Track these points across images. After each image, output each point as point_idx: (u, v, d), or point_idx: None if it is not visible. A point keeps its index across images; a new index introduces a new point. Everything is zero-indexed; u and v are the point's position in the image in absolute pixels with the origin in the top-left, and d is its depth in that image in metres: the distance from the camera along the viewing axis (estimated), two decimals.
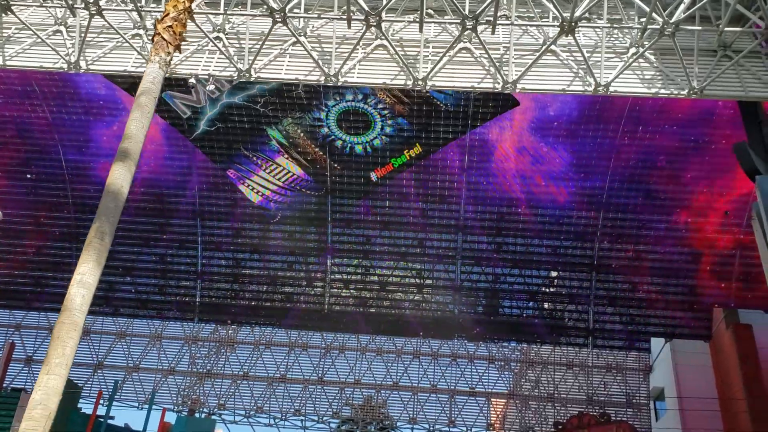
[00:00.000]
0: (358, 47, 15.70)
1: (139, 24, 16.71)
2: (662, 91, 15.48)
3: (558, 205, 24.06)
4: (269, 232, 25.96)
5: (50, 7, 16.88)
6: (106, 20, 15.74)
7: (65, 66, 16.37)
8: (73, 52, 16.35)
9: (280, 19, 15.01)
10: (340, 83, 15.87)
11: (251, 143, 23.92)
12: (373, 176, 23.08)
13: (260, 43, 15.72)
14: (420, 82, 15.66)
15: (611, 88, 15.36)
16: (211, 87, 15.95)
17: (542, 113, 21.96)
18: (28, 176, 25.66)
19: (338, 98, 21.81)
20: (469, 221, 25.06)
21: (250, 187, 25.00)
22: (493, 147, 23.00)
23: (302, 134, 23.30)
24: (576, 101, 21.70)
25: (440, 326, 26.39)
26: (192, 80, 15.55)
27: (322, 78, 15.93)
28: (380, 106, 21.48)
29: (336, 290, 26.62)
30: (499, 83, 15.63)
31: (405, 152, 22.33)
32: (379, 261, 26.22)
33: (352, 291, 26.66)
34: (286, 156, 23.88)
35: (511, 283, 25.68)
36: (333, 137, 22.95)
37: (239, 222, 26.02)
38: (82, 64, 16.40)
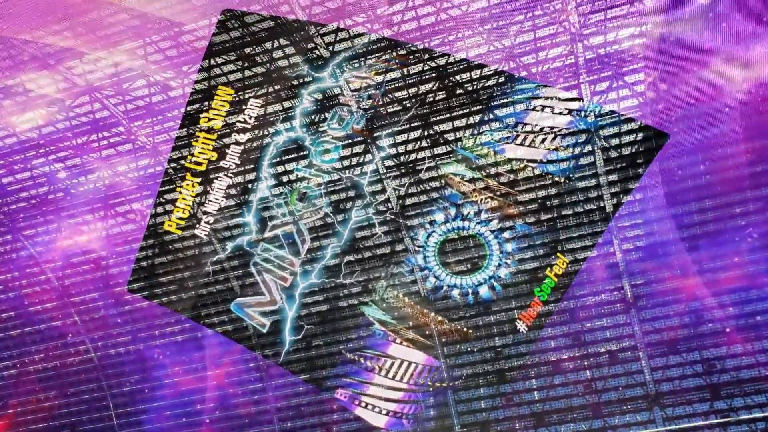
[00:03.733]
0: None
1: None
2: None
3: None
4: None
5: None
6: None
7: None
8: None
9: None
10: None
11: (347, 337, 18.05)
12: (521, 326, 15.70)
13: None
14: None
15: None
16: None
17: None
18: None
19: (428, 227, 16.41)
20: (664, 383, 17.16)
21: (370, 407, 17.28)
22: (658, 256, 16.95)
23: (405, 299, 17.66)
24: None
25: None
26: None
27: None
28: (484, 216, 15.87)
29: None
30: None
31: (547, 273, 15.76)
32: None
33: None
34: (398, 341, 17.23)
35: None
36: (445, 287, 17.17)
37: None
38: None
